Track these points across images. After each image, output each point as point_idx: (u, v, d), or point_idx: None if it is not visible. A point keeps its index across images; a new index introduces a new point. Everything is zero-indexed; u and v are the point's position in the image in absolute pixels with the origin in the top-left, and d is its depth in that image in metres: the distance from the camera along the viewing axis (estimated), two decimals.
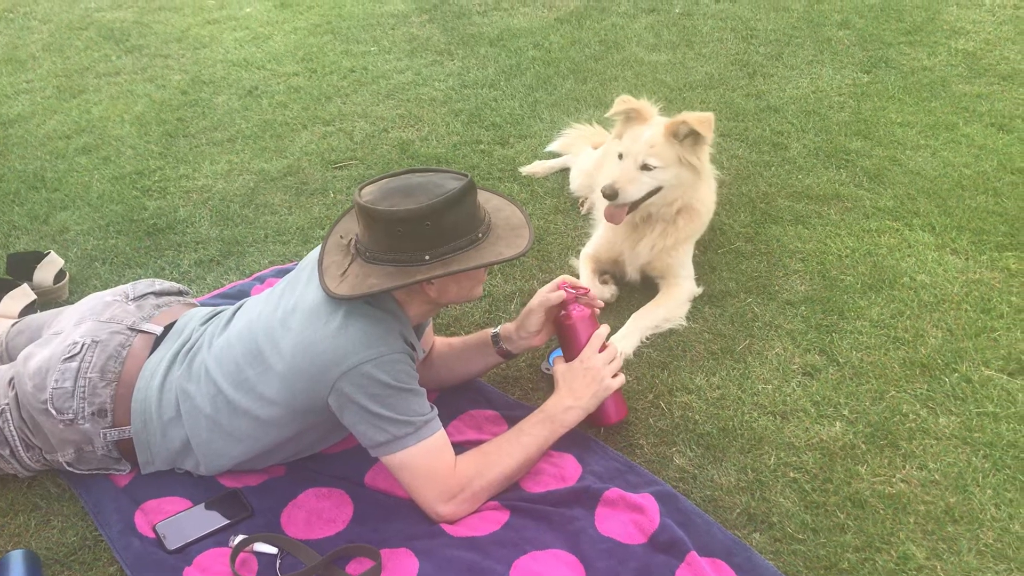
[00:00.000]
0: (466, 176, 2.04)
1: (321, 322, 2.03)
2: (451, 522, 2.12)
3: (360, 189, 2.02)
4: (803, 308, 2.78)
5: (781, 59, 4.46)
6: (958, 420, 2.35)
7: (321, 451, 2.33)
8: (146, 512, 2.19)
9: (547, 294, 2.33)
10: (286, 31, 5.21)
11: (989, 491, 2.16)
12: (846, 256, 3.00)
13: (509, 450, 2.18)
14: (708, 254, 3.07)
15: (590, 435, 2.34)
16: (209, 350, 2.23)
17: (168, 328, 2.38)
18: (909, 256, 2.98)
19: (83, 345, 2.28)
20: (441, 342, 2.54)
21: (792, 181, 3.45)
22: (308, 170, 3.75)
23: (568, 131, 3.71)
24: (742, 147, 3.70)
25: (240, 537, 2.10)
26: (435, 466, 2.08)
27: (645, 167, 2.71)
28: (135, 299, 2.48)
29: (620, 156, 2.78)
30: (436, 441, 2.08)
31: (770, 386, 2.50)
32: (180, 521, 2.17)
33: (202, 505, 2.21)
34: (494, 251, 2.06)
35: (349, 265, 2.05)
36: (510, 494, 2.18)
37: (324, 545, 2.10)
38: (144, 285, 2.55)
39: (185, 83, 4.62)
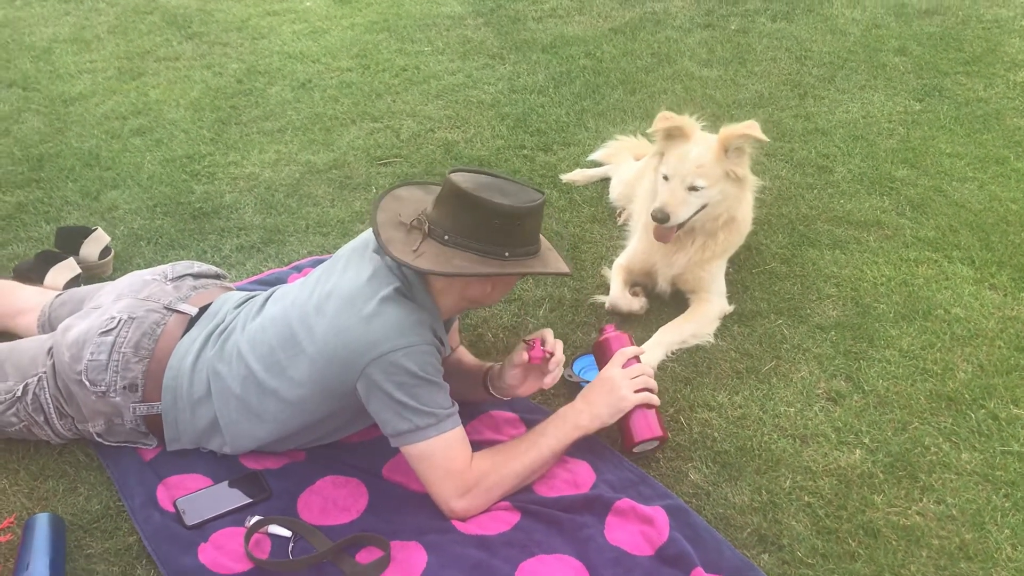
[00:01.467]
0: (543, 193, 2.15)
1: (356, 308, 2.08)
2: (463, 519, 2.15)
3: (452, 174, 2.08)
4: (833, 333, 2.77)
5: (833, 82, 4.42)
6: (981, 457, 2.33)
7: (342, 440, 2.37)
8: (168, 487, 2.25)
9: (518, 353, 2.32)
10: (343, 26, 5.28)
11: (1007, 531, 2.13)
12: (881, 284, 2.97)
13: (523, 450, 2.21)
14: (742, 273, 3.07)
15: (605, 444, 2.36)
16: (243, 333, 2.29)
17: (203, 310, 2.44)
18: (946, 288, 2.95)
19: (120, 320, 2.35)
20: (460, 351, 2.57)
21: (834, 205, 3.43)
22: (353, 164, 3.81)
23: (611, 142, 3.73)
24: (786, 168, 3.69)
25: (256, 518, 2.15)
26: (453, 460, 2.11)
27: (693, 188, 2.71)
28: (173, 279, 2.55)
29: (665, 177, 2.76)
30: (456, 435, 2.12)
31: (792, 409, 2.49)
32: (200, 498, 2.22)
33: (223, 484, 2.26)
34: (552, 263, 2.21)
35: (421, 243, 2.08)
36: (522, 496, 2.20)
37: (337, 532, 2.14)
38: (183, 266, 2.61)
39: (241, 72, 4.71)
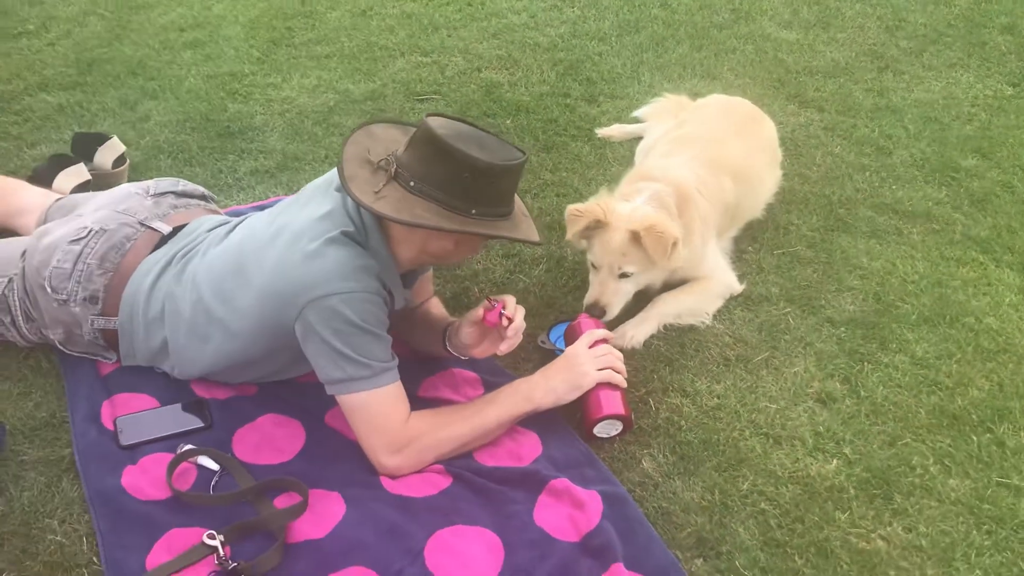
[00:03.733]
0: (524, 152, 2.00)
1: (300, 246, 2.00)
2: (393, 477, 2.06)
3: (429, 117, 1.95)
4: (843, 329, 2.54)
5: (921, 57, 4.06)
6: (971, 486, 2.10)
7: (297, 379, 2.31)
8: (114, 404, 2.24)
9: (476, 311, 2.19)
10: None
11: (979, 571, 1.92)
12: (911, 282, 2.72)
13: (467, 415, 2.10)
14: (761, 253, 2.85)
15: (562, 420, 2.23)
16: (203, 258, 2.23)
17: (177, 229, 2.40)
18: (984, 295, 2.67)
19: (91, 231, 2.33)
20: (432, 302, 2.46)
21: (883, 190, 3.15)
22: (390, 97, 3.71)
23: (659, 99, 3.50)
24: (842, 145, 3.41)
25: (187, 447, 2.12)
26: (386, 415, 2.03)
27: (624, 275, 2.48)
28: (155, 195, 2.52)
29: (594, 266, 2.52)
30: (391, 391, 2.03)
31: (775, 407, 2.30)
32: (140, 419, 2.20)
33: (167, 408, 2.24)
34: (523, 230, 2.06)
35: (384, 185, 1.97)
36: (459, 462, 2.10)
37: (265, 472, 2.09)
38: (167, 183, 2.58)
39: None
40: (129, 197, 2.49)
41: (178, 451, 2.10)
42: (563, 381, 2.15)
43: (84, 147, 3.08)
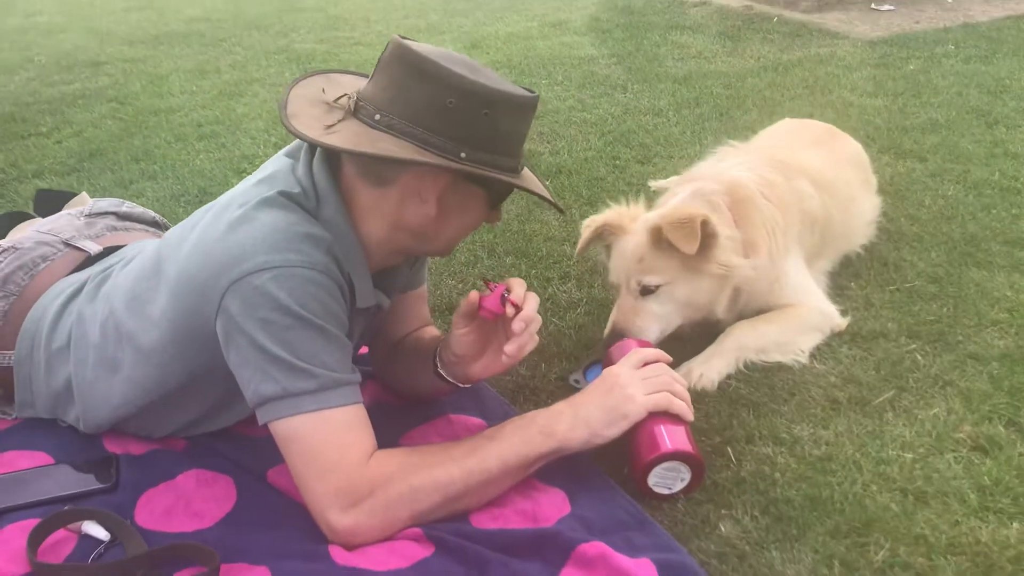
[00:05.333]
0: (534, 92, 1.45)
1: (227, 215, 1.46)
2: (348, 543, 1.39)
3: (402, 37, 1.43)
4: (995, 365, 1.84)
5: None
6: None
7: (242, 430, 1.69)
8: None
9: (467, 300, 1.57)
10: None
11: None
12: None
13: (456, 456, 1.45)
14: (868, 289, 2.20)
15: (597, 466, 1.56)
16: (122, 268, 1.70)
17: (110, 251, 1.88)
18: None
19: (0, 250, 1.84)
20: (427, 329, 1.84)
21: (1017, 226, 2.49)
22: None
23: (724, 148, 2.95)
24: (955, 188, 2.78)
25: (66, 508, 1.50)
26: (337, 448, 1.39)
27: (645, 289, 1.88)
28: (90, 215, 2.03)
29: (613, 286, 1.98)
30: (346, 416, 1.40)
31: (911, 455, 1.59)
32: (19, 479, 1.61)
33: (58, 466, 1.65)
34: (534, 184, 1.50)
35: (339, 122, 1.43)
36: (446, 524, 1.43)
37: (175, 542, 1.44)
38: (108, 203, 2.11)
39: None
40: (60, 218, 2.02)
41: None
42: (599, 408, 1.49)
43: (48, 204, 2.63)
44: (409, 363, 1.74)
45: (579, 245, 2.00)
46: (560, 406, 1.51)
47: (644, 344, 1.70)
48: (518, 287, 1.52)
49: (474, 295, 1.52)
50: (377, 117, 1.40)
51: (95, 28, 6.14)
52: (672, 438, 1.48)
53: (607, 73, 4.43)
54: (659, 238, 1.83)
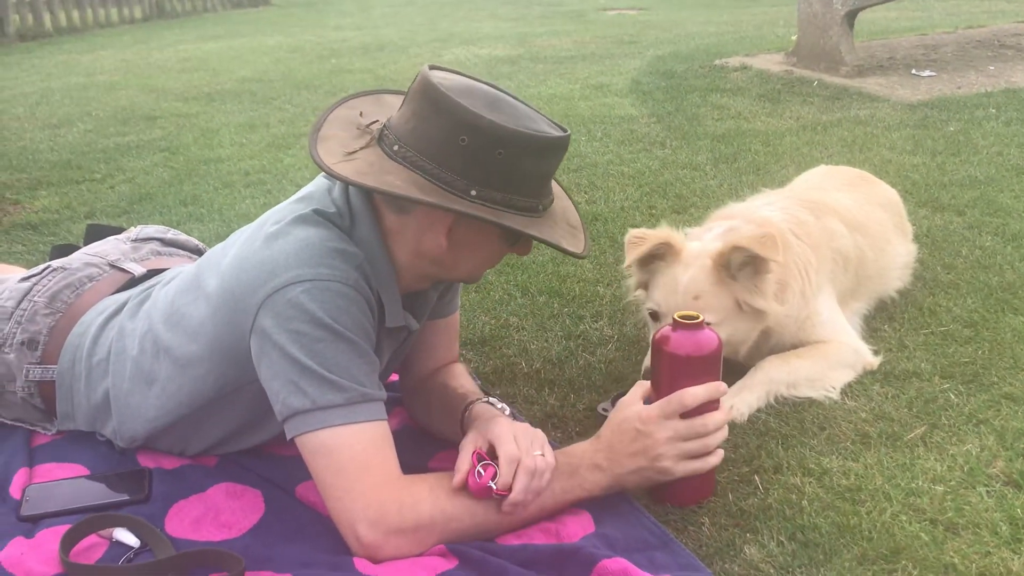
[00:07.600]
0: (566, 130, 1.47)
1: (264, 230, 1.51)
2: (374, 558, 1.40)
3: (431, 67, 1.47)
4: None
5: None
6: None
7: (272, 449, 1.72)
8: (33, 474, 1.72)
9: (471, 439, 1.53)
10: None
11: None
12: None
13: None
14: (902, 331, 2.18)
15: (626, 494, 1.55)
16: (163, 288, 1.76)
17: (153, 273, 1.95)
18: None
19: (48, 268, 1.92)
20: (455, 368, 1.86)
21: None
22: None
23: (760, 195, 2.97)
24: (993, 240, 2.76)
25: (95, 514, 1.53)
26: (364, 463, 1.41)
27: None
28: (136, 240, 2.11)
29: (654, 315, 1.93)
30: (374, 431, 1.43)
31: (942, 487, 1.57)
32: (54, 488, 1.67)
33: (91, 477, 1.69)
34: (551, 233, 1.49)
35: (361, 149, 1.48)
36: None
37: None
38: (154, 229, 2.18)
39: None
40: (107, 242, 2.09)
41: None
42: (634, 475, 1.50)
43: (97, 238, 2.73)
44: (435, 409, 1.76)
45: (630, 256, 1.93)
46: (599, 460, 1.50)
47: (687, 340, 1.54)
48: (507, 468, 1.43)
49: (463, 473, 1.43)
50: (396, 148, 1.44)
51: (151, 86, 6.38)
52: (705, 487, 1.56)
53: (646, 131, 4.50)
54: (723, 272, 1.83)
